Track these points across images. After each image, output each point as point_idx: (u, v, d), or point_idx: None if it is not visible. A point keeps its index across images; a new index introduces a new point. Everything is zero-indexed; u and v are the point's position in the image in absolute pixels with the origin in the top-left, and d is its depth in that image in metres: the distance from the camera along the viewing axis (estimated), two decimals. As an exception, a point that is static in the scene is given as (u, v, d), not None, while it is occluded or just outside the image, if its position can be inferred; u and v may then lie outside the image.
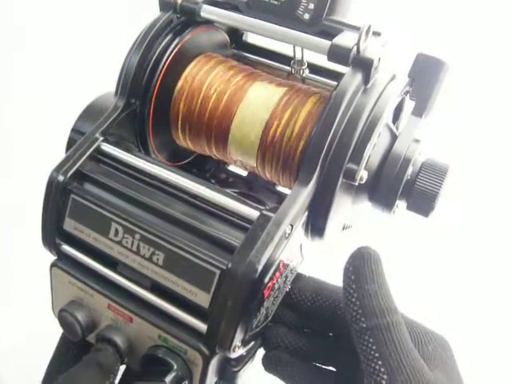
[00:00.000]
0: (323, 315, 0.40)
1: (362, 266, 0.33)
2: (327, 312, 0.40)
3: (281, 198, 0.51)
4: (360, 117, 0.38)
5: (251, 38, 0.52)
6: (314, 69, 0.49)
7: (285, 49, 0.50)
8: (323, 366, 0.41)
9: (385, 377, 0.31)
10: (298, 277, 0.42)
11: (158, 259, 0.37)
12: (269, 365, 0.41)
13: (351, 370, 0.39)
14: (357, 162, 0.37)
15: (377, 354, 0.32)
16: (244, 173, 0.53)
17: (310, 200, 0.38)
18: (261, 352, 0.42)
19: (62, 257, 0.41)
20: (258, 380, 0.46)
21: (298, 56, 0.47)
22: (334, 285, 0.42)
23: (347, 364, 0.40)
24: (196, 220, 0.38)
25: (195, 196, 0.39)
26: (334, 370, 0.41)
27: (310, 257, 0.44)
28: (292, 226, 0.36)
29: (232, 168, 0.54)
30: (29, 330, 0.76)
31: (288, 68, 0.50)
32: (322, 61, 0.46)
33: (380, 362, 0.31)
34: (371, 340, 0.32)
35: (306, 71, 0.48)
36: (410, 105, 0.44)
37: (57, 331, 0.42)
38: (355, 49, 0.38)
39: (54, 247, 0.41)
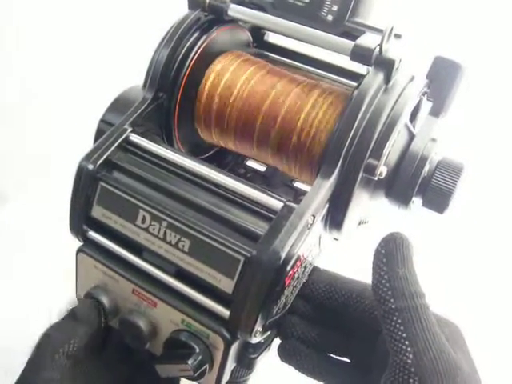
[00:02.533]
0: (336, 306, 0.41)
1: (394, 249, 0.35)
2: (340, 303, 0.41)
3: (298, 193, 0.52)
4: (381, 114, 0.39)
5: (272, 38, 0.54)
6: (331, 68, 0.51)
7: (303, 48, 0.52)
8: (338, 357, 0.42)
9: (411, 356, 0.32)
10: (313, 269, 0.43)
11: (183, 246, 0.38)
12: (284, 354, 0.42)
13: (365, 362, 0.40)
14: (377, 158, 0.38)
15: (404, 335, 0.33)
16: (262, 168, 0.55)
17: (331, 193, 0.39)
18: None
19: (88, 243, 0.42)
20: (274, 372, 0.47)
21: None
22: (347, 277, 0.43)
23: (361, 355, 0.41)
24: (221, 209, 0.39)
25: (221, 186, 0.40)
26: (349, 361, 0.42)
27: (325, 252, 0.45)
28: (314, 216, 0.38)
29: (250, 163, 0.55)
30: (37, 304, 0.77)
31: (306, 66, 0.52)
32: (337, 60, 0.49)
33: (407, 342, 0.32)
34: (399, 321, 0.33)
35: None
36: (426, 106, 0.45)
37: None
38: (377, 49, 0.40)
39: (81, 233, 0.42)
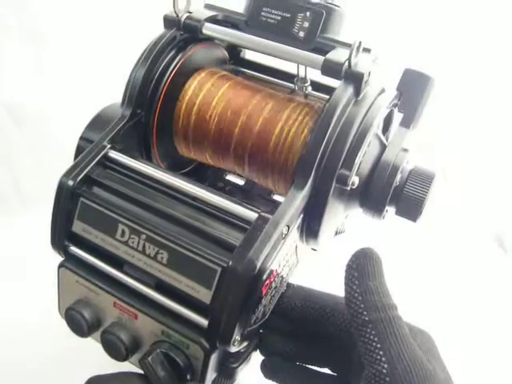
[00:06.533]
0: (312, 320, 0.42)
1: (365, 264, 0.36)
2: (316, 317, 0.42)
3: (276, 206, 0.53)
4: (352, 126, 0.40)
5: (248, 55, 0.56)
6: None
7: (278, 64, 0.53)
8: (319, 369, 0.43)
9: (385, 366, 0.33)
10: (288, 286, 0.44)
11: (162, 258, 0.39)
12: (267, 371, 0.44)
13: (345, 371, 0.41)
14: (349, 168, 0.40)
15: (378, 345, 0.33)
16: (241, 182, 0.56)
17: (305, 203, 0.40)
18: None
19: (70, 258, 0.43)
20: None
21: (302, 74, 0.50)
22: (321, 291, 0.44)
23: (341, 365, 0.42)
24: (198, 221, 0.40)
25: (197, 199, 0.41)
26: (330, 372, 0.43)
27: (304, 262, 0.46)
28: (288, 226, 0.39)
29: (230, 177, 0.57)
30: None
31: (282, 82, 0.53)
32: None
33: (381, 352, 0.33)
34: (373, 332, 0.34)
35: (309, 88, 0.51)
36: (398, 117, 0.47)
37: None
38: (347, 63, 0.41)
39: (63, 249, 0.43)
